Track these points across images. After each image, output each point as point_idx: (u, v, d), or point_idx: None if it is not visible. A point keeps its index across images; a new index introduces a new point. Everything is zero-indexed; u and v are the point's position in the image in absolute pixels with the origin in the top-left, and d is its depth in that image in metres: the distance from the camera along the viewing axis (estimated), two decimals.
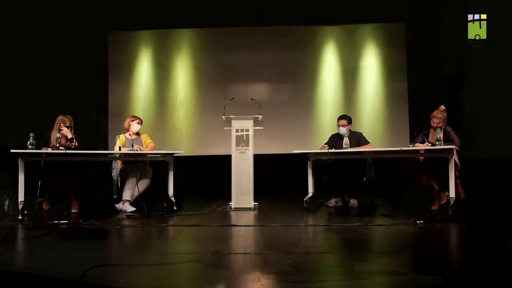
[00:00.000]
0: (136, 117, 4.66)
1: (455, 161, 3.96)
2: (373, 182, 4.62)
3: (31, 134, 3.94)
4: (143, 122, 4.72)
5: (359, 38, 6.76)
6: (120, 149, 4.24)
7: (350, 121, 4.71)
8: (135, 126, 4.59)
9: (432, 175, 4.16)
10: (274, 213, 4.20)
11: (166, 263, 2.37)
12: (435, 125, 4.17)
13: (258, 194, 4.60)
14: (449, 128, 4.18)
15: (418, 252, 2.58)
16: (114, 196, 4.59)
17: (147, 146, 4.60)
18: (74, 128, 4.45)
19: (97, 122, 6.52)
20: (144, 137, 4.68)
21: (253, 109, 4.83)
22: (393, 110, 6.65)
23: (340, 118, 4.73)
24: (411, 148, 4.08)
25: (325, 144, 4.72)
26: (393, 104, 6.65)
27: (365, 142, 4.62)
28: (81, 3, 6.32)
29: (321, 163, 4.58)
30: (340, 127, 4.64)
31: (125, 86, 6.81)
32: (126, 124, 4.64)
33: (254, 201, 4.52)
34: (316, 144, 4.69)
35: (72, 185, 4.35)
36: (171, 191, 4.32)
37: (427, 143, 4.10)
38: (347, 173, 4.59)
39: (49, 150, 4.10)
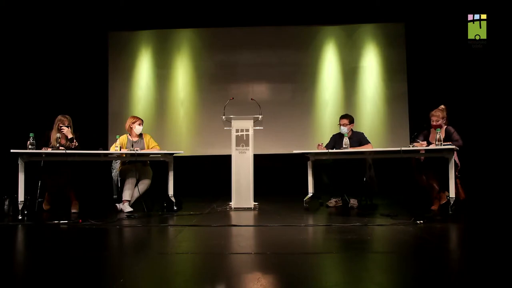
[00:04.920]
0: (137, 118, 4.58)
1: (455, 161, 3.96)
2: (373, 182, 4.61)
3: (31, 134, 3.94)
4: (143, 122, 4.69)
5: (359, 38, 6.76)
6: (120, 149, 4.23)
7: (352, 121, 4.70)
8: (137, 128, 4.54)
9: (432, 175, 4.15)
10: (274, 213, 4.20)
11: (165, 263, 2.37)
12: (434, 123, 4.17)
13: (258, 194, 4.60)
14: (451, 128, 4.18)
15: (418, 252, 2.57)
16: (114, 196, 4.58)
17: (150, 148, 4.56)
18: (74, 128, 4.45)
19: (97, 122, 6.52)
20: (147, 139, 4.62)
21: (253, 109, 4.83)
22: (393, 110, 6.65)
23: (342, 117, 4.72)
24: (411, 148, 4.07)
25: (326, 144, 4.72)
26: (393, 104, 6.66)
27: (366, 142, 4.62)
28: (81, 3, 6.32)
29: (321, 163, 4.58)
30: (342, 126, 4.64)
31: (125, 86, 6.81)
32: (127, 126, 4.57)
33: (254, 201, 4.52)
34: (316, 144, 4.68)
35: (72, 185, 4.35)
36: (171, 191, 4.32)
37: (423, 143, 4.09)
38: (347, 173, 4.59)
39: (49, 150, 4.10)
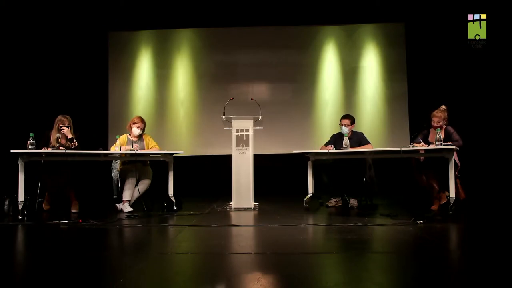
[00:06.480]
0: (139, 120, 4.52)
1: (455, 161, 3.96)
2: (373, 182, 4.61)
3: (31, 134, 3.94)
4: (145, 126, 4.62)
5: (359, 38, 6.76)
6: (120, 148, 4.23)
7: (353, 121, 4.69)
8: (134, 130, 4.52)
9: (432, 175, 4.15)
10: (274, 213, 4.20)
11: (165, 263, 2.37)
12: (435, 124, 4.17)
13: (258, 194, 4.60)
14: (451, 128, 4.18)
15: (418, 252, 2.57)
16: (114, 196, 4.58)
17: (150, 148, 4.55)
18: (74, 128, 4.45)
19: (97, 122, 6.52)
20: (147, 139, 4.60)
21: (253, 109, 4.83)
22: (393, 110, 6.65)
23: (343, 117, 4.71)
24: (411, 148, 4.07)
25: (326, 143, 4.72)
26: (393, 104, 6.66)
27: (366, 142, 4.62)
28: (81, 3, 6.32)
29: (321, 163, 4.57)
30: (343, 126, 4.63)
31: (125, 86, 6.81)
32: (128, 126, 4.59)
33: (254, 201, 4.52)
34: (316, 144, 4.69)
35: (72, 185, 4.35)
36: (171, 191, 4.32)
37: (423, 144, 4.09)
38: (347, 173, 4.59)
39: (49, 150, 4.10)
